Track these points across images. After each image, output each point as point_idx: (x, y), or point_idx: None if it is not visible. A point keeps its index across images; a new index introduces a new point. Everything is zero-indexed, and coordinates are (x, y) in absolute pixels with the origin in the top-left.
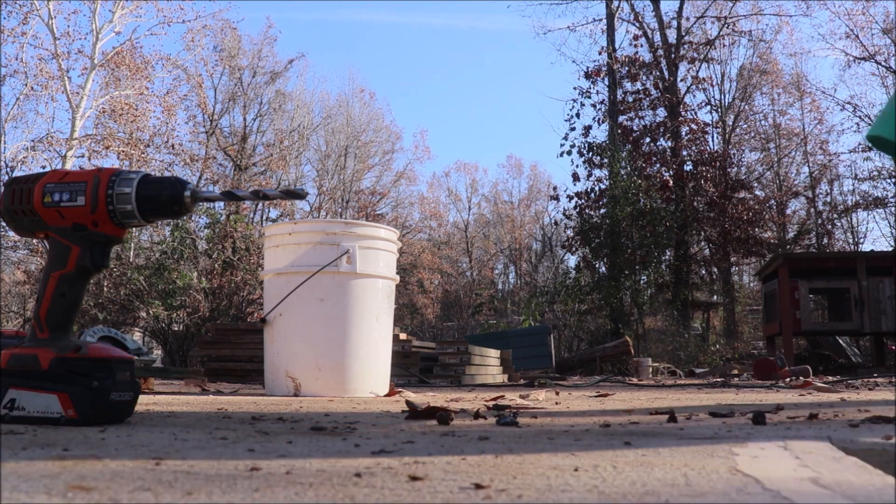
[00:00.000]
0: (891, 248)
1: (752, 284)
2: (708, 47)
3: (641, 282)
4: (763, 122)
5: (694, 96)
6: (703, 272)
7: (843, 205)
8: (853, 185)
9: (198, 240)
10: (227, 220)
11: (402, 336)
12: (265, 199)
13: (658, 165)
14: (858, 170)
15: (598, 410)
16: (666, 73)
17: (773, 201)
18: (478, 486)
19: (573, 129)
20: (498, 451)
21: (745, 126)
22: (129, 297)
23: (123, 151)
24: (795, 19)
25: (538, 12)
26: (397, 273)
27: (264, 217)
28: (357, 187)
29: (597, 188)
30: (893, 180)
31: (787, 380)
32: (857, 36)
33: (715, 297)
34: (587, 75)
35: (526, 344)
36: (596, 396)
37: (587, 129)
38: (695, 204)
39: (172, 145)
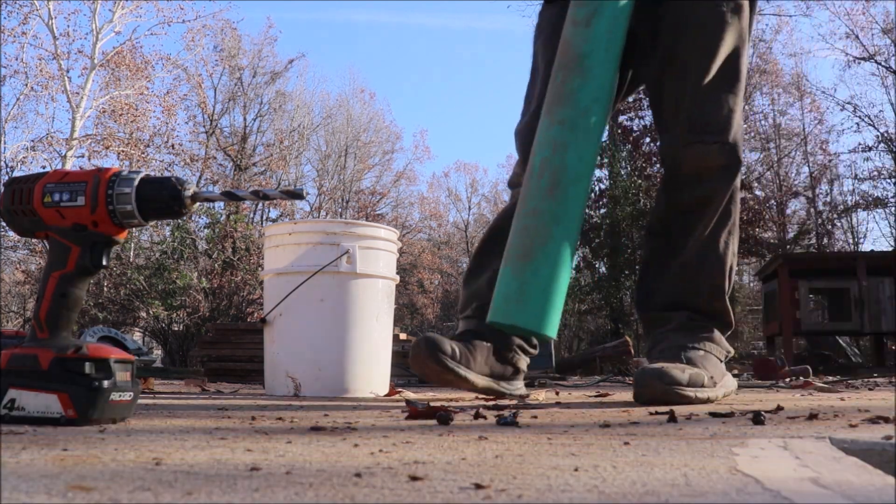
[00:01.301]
0: (891, 248)
1: (752, 284)
2: None
3: None
4: (763, 122)
5: None
6: None
7: (843, 205)
8: (853, 185)
9: (198, 240)
10: (227, 220)
11: (402, 336)
12: (265, 199)
13: (658, 165)
14: (858, 170)
15: (598, 410)
16: None
17: (773, 201)
18: (478, 486)
19: None
20: (498, 451)
21: (745, 126)
22: (129, 297)
23: (123, 151)
24: (795, 19)
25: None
26: (397, 273)
27: (264, 217)
28: (357, 187)
29: (597, 188)
30: (893, 180)
31: (787, 380)
32: (857, 36)
33: None
34: None
35: None
36: (596, 396)
37: None
38: None
39: (172, 145)
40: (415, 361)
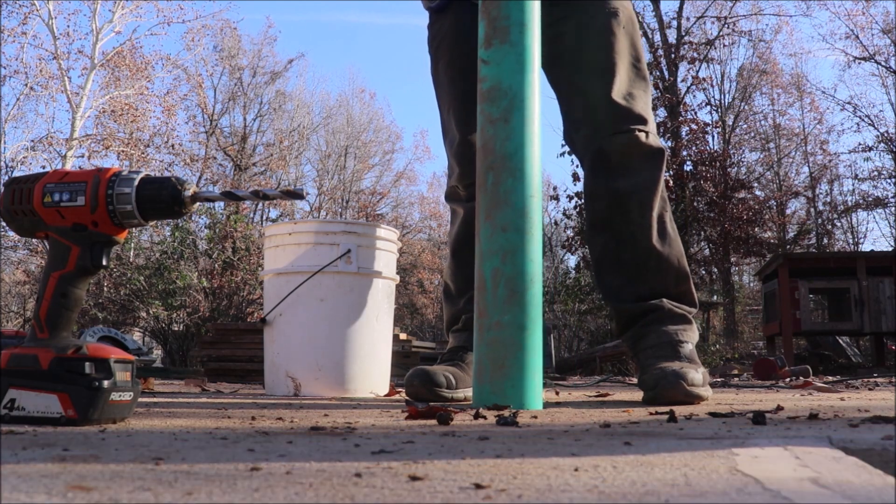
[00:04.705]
0: (891, 248)
1: (752, 284)
2: (708, 47)
3: None
4: (763, 122)
5: (694, 96)
6: (703, 272)
7: (843, 205)
8: (853, 185)
9: (198, 240)
10: (227, 220)
11: (402, 336)
12: (265, 199)
13: None
14: (858, 170)
15: (598, 410)
16: (666, 73)
17: (773, 201)
18: (478, 486)
19: None
20: (498, 450)
21: (745, 126)
22: (129, 297)
23: (123, 151)
24: (795, 19)
25: None
26: (397, 273)
27: (264, 217)
28: (357, 187)
29: None
30: (893, 180)
31: (787, 380)
32: (857, 36)
33: (715, 297)
34: None
35: None
36: (596, 396)
37: None
38: (695, 204)
39: (172, 145)
40: (411, 395)
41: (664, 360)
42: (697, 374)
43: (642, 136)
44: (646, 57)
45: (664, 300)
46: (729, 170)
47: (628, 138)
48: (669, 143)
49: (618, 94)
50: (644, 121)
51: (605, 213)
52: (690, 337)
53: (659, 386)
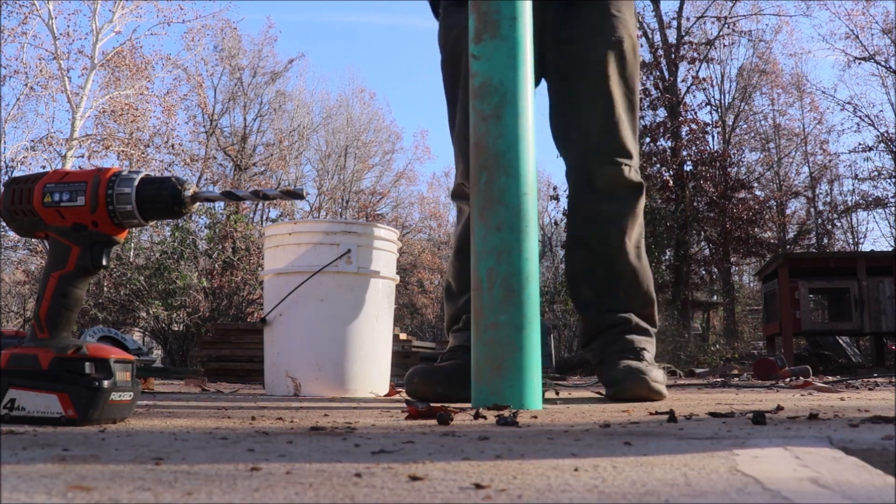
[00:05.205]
0: (891, 248)
1: (752, 284)
2: (708, 47)
3: None
4: (763, 122)
5: (694, 96)
6: (703, 272)
7: (843, 205)
8: (853, 185)
9: (198, 240)
10: (227, 220)
11: (402, 336)
12: (265, 199)
13: (658, 165)
14: (858, 170)
15: (598, 410)
16: (666, 73)
17: (773, 201)
18: (478, 486)
19: None
20: (498, 451)
21: (745, 126)
22: (129, 297)
23: (123, 151)
24: (795, 19)
25: None
26: (397, 273)
27: (264, 217)
28: (357, 187)
29: None
30: (893, 180)
31: (787, 380)
32: (857, 36)
33: (715, 297)
34: None
35: None
36: (596, 396)
37: None
38: (695, 204)
39: (172, 145)
40: (411, 394)
41: (628, 360)
42: (659, 374)
43: (626, 170)
44: (639, 84)
45: (632, 315)
46: (729, 170)
47: (614, 171)
48: (669, 143)
49: (610, 125)
50: (630, 155)
51: (585, 230)
52: (651, 349)
53: (627, 380)
